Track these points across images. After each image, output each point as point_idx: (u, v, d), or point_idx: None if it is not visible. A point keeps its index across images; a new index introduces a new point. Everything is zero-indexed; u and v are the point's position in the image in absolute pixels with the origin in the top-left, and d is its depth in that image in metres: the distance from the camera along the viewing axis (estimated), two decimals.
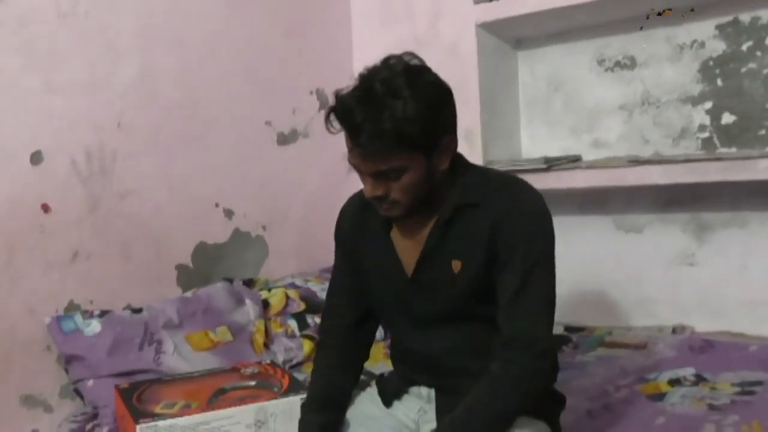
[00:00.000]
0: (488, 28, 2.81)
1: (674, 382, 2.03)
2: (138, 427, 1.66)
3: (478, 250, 1.40)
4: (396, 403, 1.57)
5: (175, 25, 2.49)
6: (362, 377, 2.05)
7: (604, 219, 2.85)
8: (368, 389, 1.65)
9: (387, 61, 1.34)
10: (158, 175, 2.43)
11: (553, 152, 2.87)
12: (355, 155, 1.33)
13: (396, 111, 1.26)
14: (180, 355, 2.20)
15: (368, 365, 2.20)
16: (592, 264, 2.87)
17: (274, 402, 1.80)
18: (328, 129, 1.34)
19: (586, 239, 2.88)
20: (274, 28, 2.84)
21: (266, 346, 2.44)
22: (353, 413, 1.56)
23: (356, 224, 1.57)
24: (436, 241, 1.43)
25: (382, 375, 1.68)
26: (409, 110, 1.27)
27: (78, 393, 2.11)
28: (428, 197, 1.41)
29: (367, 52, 3.15)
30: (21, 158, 2.09)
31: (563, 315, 2.91)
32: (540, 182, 2.62)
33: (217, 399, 1.86)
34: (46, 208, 2.13)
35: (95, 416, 2.03)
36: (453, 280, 1.43)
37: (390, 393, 1.58)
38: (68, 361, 2.10)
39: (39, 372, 2.11)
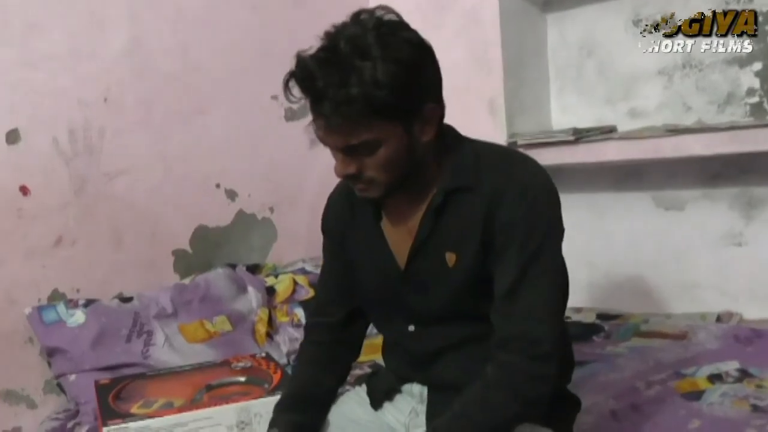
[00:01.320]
0: None
1: (715, 378, 1.82)
2: (105, 429, 1.52)
3: (473, 240, 1.22)
4: (386, 405, 1.40)
5: None
6: (370, 370, 1.90)
7: (641, 195, 2.63)
8: (356, 388, 1.48)
9: (357, 17, 1.16)
10: (152, 154, 2.30)
11: (586, 123, 2.65)
12: (319, 127, 1.15)
13: (364, 74, 1.09)
14: (171, 348, 2.07)
15: (376, 358, 2.05)
16: (628, 245, 2.67)
17: (258, 401, 1.63)
18: (287, 98, 1.16)
19: (623, 217, 2.67)
20: None
21: (269, 336, 2.30)
22: (335, 416, 1.40)
23: (344, 213, 1.39)
24: (427, 231, 1.26)
25: (373, 373, 1.50)
26: (380, 72, 1.09)
27: (61, 388, 1.99)
28: (416, 176, 1.23)
29: None
30: None
31: (597, 301, 2.72)
32: (569, 156, 2.47)
33: (201, 396, 1.72)
34: (25, 190, 2.01)
35: (78, 413, 1.91)
36: (448, 275, 1.25)
37: (380, 392, 1.41)
38: (50, 354, 1.99)
39: (21, 366, 2.01)
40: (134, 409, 1.63)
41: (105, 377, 1.88)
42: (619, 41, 2.63)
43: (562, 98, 2.81)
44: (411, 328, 1.33)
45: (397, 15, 1.18)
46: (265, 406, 1.62)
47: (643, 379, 1.86)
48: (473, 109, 2.66)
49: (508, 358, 1.18)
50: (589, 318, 2.50)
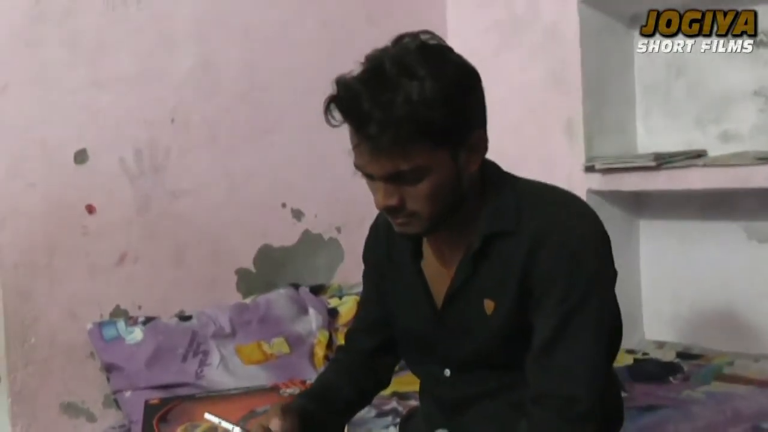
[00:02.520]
0: (594, 3, 2.48)
1: None
2: None
3: (512, 288, 1.15)
4: None
5: (239, 12, 2.36)
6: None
7: (732, 226, 2.45)
8: (391, 429, 1.42)
9: (399, 40, 1.12)
10: (217, 173, 2.32)
11: (674, 147, 2.50)
12: (362, 152, 1.09)
13: (412, 93, 1.03)
14: (226, 369, 2.08)
15: None
16: (717, 278, 2.49)
17: None
18: (328, 122, 1.11)
19: (711, 248, 2.50)
20: (355, 13, 2.65)
21: (328, 359, 2.27)
22: None
23: (385, 245, 1.34)
24: (465, 276, 1.19)
25: (407, 417, 1.45)
26: (429, 91, 1.03)
27: (117, 404, 2.03)
28: (458, 212, 1.16)
29: (462, 38, 2.88)
30: (64, 157, 2.04)
31: (681, 335, 2.56)
32: (650, 182, 2.33)
33: (244, 423, 1.70)
34: (90, 208, 2.07)
35: (130, 431, 1.94)
36: (485, 323, 1.18)
37: None
38: (108, 369, 2.03)
39: (81, 379, 2.06)
40: None
41: (157, 396, 1.91)
42: (711, 59, 2.46)
43: (649, 120, 2.66)
44: (447, 372, 1.26)
45: (440, 39, 1.13)
46: None
47: None
48: (549, 130, 2.57)
49: (543, 415, 1.10)
50: (669, 356, 2.35)
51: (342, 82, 1.08)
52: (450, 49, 1.13)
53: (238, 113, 2.36)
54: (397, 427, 1.44)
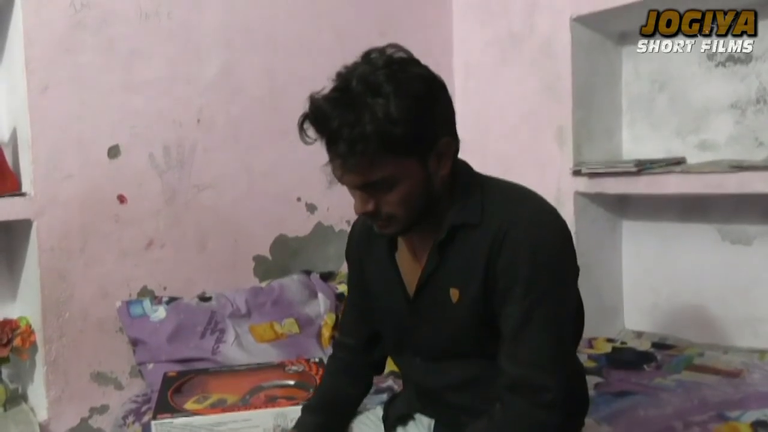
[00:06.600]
0: (585, 21, 2.39)
1: (759, 426, 1.57)
2: (153, 423, 1.49)
3: (475, 278, 1.09)
4: (399, 430, 1.28)
5: (260, 24, 2.31)
6: None
7: (707, 228, 2.36)
8: (372, 410, 1.37)
9: (367, 56, 1.06)
10: (238, 170, 2.27)
11: (656, 154, 2.41)
12: (336, 167, 1.05)
13: (377, 111, 0.98)
14: (240, 346, 2.03)
15: None
16: (692, 275, 2.40)
17: (296, 407, 1.55)
18: (303, 140, 1.06)
19: (687, 249, 2.41)
20: (367, 27, 2.58)
21: (334, 339, 2.21)
22: None
23: (364, 240, 1.29)
24: (433, 266, 1.14)
25: (392, 396, 1.39)
26: (393, 108, 0.99)
27: (142, 374, 1.99)
28: (431, 210, 1.11)
29: (467, 51, 2.82)
30: (99, 151, 2.00)
31: (658, 325, 2.47)
32: (631, 186, 2.24)
33: (250, 396, 1.66)
34: (122, 198, 2.03)
35: (151, 399, 1.90)
36: (451, 311, 1.13)
37: (394, 418, 1.30)
38: (134, 343, 2.00)
39: (111, 352, 2.03)
40: (188, 404, 1.60)
41: (175, 369, 1.87)
42: (692, 74, 2.37)
43: (634, 129, 2.57)
44: (417, 361, 1.21)
45: (407, 52, 1.07)
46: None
47: (683, 419, 1.63)
48: (542, 136, 2.49)
49: (514, 401, 1.05)
50: (644, 345, 2.26)
51: (313, 101, 1.04)
52: (415, 62, 1.07)
53: (258, 115, 2.31)
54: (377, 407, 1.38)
